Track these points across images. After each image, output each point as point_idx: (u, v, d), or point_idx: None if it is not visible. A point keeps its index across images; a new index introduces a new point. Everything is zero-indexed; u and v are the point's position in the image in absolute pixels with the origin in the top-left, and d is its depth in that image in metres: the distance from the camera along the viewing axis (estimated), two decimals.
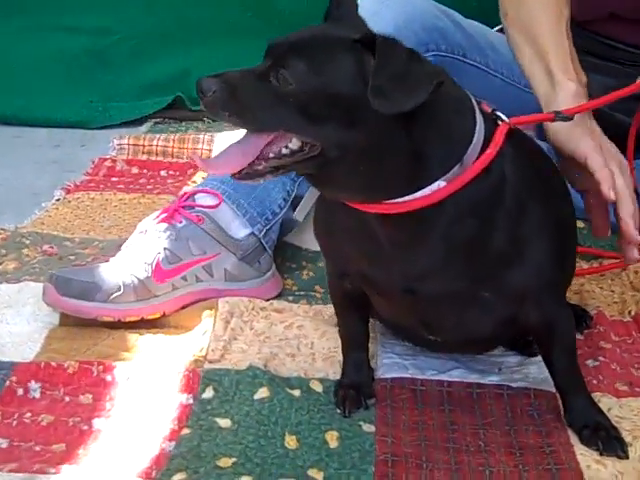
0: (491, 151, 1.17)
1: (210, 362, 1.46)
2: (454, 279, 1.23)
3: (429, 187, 1.14)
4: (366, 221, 1.19)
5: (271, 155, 1.10)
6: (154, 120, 2.86)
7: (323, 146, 1.08)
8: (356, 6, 1.22)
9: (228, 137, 2.46)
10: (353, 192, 1.17)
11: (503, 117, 1.24)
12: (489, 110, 1.23)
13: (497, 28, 2.13)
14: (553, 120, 1.42)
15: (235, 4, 2.71)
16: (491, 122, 1.21)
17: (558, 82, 1.51)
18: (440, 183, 1.14)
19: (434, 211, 1.16)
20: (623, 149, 1.81)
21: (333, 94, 1.07)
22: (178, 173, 2.40)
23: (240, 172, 1.10)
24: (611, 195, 1.41)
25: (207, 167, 1.19)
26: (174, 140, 2.53)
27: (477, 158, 1.16)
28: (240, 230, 1.68)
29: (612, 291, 1.78)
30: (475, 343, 1.46)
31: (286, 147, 1.09)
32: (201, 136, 2.54)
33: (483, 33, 2.08)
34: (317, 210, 1.35)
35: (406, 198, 1.14)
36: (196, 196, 1.68)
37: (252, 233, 1.69)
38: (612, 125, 1.91)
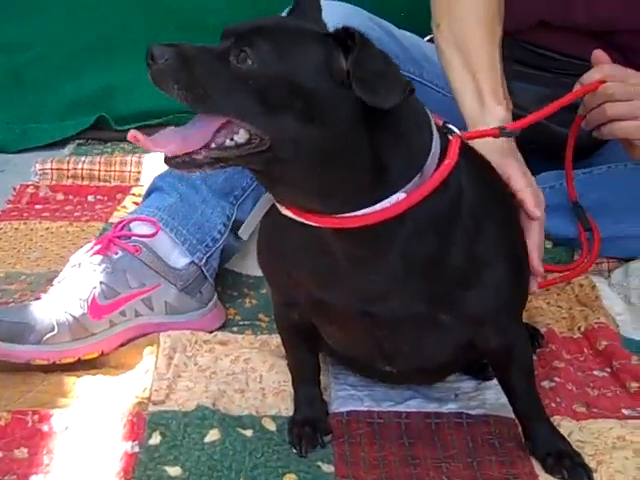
0: (449, 161, 1.13)
1: (155, 404, 1.38)
2: (413, 300, 1.18)
3: (388, 199, 1.08)
4: (321, 238, 1.13)
5: (213, 145, 1.02)
6: (77, 141, 2.74)
7: (273, 141, 1.01)
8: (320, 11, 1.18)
9: (157, 159, 2.39)
10: (305, 197, 1.09)
11: (455, 130, 1.21)
12: (440, 123, 1.20)
13: (427, 38, 2.11)
14: (498, 136, 1.40)
15: (159, 19, 2.62)
16: (443, 135, 1.17)
17: (487, 105, 1.50)
18: (400, 195, 1.08)
19: (393, 225, 1.10)
20: (559, 160, 1.82)
21: (296, 83, 1.01)
22: (106, 198, 2.30)
23: (176, 158, 1.02)
24: (536, 213, 1.40)
25: (145, 143, 1.04)
26: (100, 163, 2.42)
27: (435, 170, 1.11)
28: (180, 259, 1.60)
29: (559, 306, 1.77)
30: (432, 371, 1.42)
31: (231, 139, 1.02)
32: (128, 158, 2.44)
33: (416, 44, 2.05)
34: (261, 235, 1.27)
35: (365, 211, 1.08)
36: (131, 225, 1.60)
37: (192, 262, 1.61)
38: (548, 136, 1.91)
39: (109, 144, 2.72)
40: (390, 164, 1.08)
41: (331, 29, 1.72)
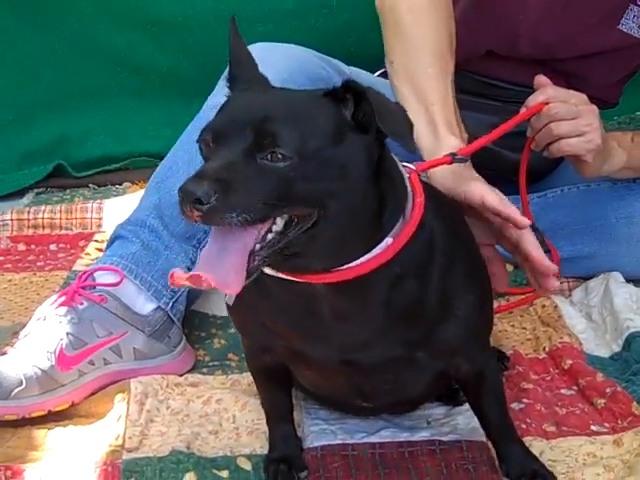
0: (420, 199, 1.13)
1: (128, 451, 1.38)
2: (392, 345, 1.19)
3: (379, 246, 1.08)
4: (306, 295, 1.11)
5: (258, 247, 0.99)
6: (36, 190, 2.72)
7: (320, 215, 1.00)
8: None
9: (117, 204, 2.40)
10: (323, 260, 1.07)
11: (408, 164, 1.22)
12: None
13: (378, 73, 2.15)
14: (451, 163, 1.44)
15: (110, 65, 2.63)
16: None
17: (441, 137, 1.52)
18: (388, 240, 1.09)
19: (380, 273, 1.09)
20: (514, 186, 1.86)
21: (329, 155, 1.01)
22: (69, 246, 2.28)
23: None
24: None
25: (222, 288, 0.99)
26: (61, 211, 2.41)
27: (412, 209, 1.12)
28: (146, 305, 1.60)
29: (524, 328, 1.80)
30: (407, 403, 1.44)
31: (270, 231, 1.00)
32: (89, 204, 2.43)
33: (367, 80, 2.09)
34: None
35: (359, 261, 1.08)
36: (95, 274, 1.60)
37: (159, 307, 1.61)
38: (499, 162, 1.96)
39: (68, 191, 2.70)
40: (385, 209, 1.09)
41: (283, 70, 1.79)
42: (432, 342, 1.21)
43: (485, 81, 2.05)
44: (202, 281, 0.98)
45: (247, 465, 1.35)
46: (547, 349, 1.69)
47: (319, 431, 1.42)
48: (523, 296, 1.89)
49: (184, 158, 1.75)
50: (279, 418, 1.37)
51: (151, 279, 1.61)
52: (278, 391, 1.36)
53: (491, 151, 2.02)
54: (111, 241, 1.71)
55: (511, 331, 1.78)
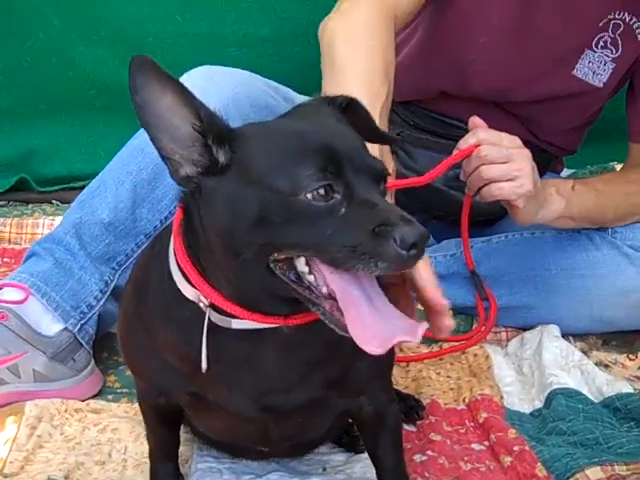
0: None
1: (5, 477, 1.33)
2: (314, 386, 1.15)
3: None
4: (258, 340, 1.07)
5: None
6: None
7: None
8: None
9: None
10: None
11: None
12: None
13: None
14: None
15: (78, 81, 2.60)
16: None
17: None
18: None
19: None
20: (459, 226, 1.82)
21: None
22: (13, 261, 2.25)
23: None
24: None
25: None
26: (11, 225, 2.39)
27: None
28: (52, 326, 1.56)
29: (449, 377, 1.74)
30: (303, 446, 1.39)
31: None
32: (41, 220, 2.41)
33: None
34: (131, 331, 1.19)
35: None
36: (1, 291, 1.56)
37: (65, 328, 1.57)
38: (449, 203, 1.92)
39: (30, 206, 2.68)
40: None
41: (226, 96, 1.76)
42: (346, 381, 1.17)
43: (441, 119, 2.02)
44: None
45: None
46: (467, 400, 1.63)
47: (206, 469, 1.37)
48: (456, 343, 1.84)
49: (114, 178, 1.72)
50: (163, 457, 1.33)
51: (59, 299, 1.57)
52: (166, 430, 1.31)
53: (440, 192, 1.98)
54: (26, 258, 1.67)
55: (435, 379, 1.72)
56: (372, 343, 0.94)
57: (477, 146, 1.55)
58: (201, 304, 1.05)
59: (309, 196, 0.94)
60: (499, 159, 1.55)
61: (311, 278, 0.97)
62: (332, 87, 1.58)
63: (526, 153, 1.57)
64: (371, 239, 0.92)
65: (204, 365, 1.08)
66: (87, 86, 2.64)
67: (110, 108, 2.66)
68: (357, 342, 0.94)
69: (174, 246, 1.08)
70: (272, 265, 0.97)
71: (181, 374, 1.14)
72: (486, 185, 1.58)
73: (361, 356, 1.12)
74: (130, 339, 1.21)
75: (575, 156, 2.22)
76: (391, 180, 1.49)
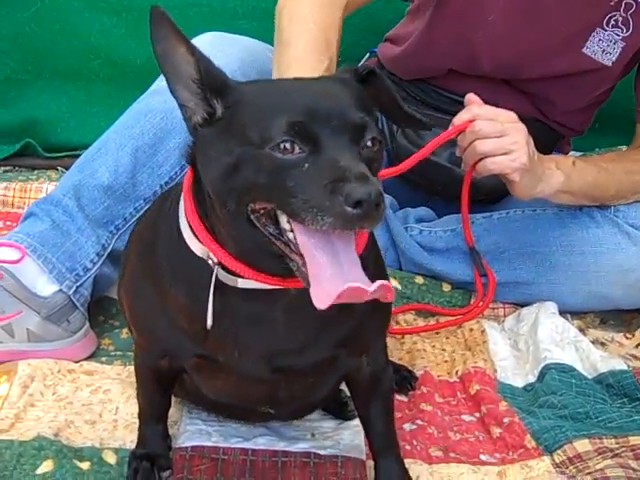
0: None
1: None
2: (326, 346, 1.16)
3: None
4: (268, 301, 1.09)
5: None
6: (3, 168, 2.70)
7: None
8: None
9: None
10: None
11: None
12: None
13: None
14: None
15: (82, 50, 2.58)
16: None
17: None
18: None
19: None
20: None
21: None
22: (15, 224, 2.25)
23: None
24: None
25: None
26: (15, 189, 2.39)
27: None
28: (46, 287, 1.56)
29: (443, 350, 1.74)
30: (305, 409, 1.39)
31: None
32: (44, 185, 2.41)
33: None
34: (141, 288, 1.19)
35: None
36: None
37: (60, 290, 1.57)
38: (451, 178, 1.90)
39: (36, 172, 2.68)
40: None
41: (234, 61, 1.76)
42: (355, 339, 1.18)
43: (450, 97, 2.00)
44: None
45: (112, 459, 1.31)
46: (459, 373, 1.63)
47: (195, 431, 1.37)
48: (453, 318, 1.84)
49: (115, 141, 1.72)
50: (154, 418, 1.33)
51: (55, 260, 1.57)
52: (160, 392, 1.31)
53: (443, 168, 1.97)
54: (24, 218, 1.68)
55: (430, 351, 1.72)
56: (322, 299, 0.94)
57: (472, 121, 1.55)
58: (210, 261, 1.07)
59: (275, 149, 0.96)
60: (493, 133, 1.54)
61: (291, 235, 0.98)
62: (276, 62, 1.65)
63: (521, 127, 1.56)
64: (322, 193, 0.93)
65: (209, 322, 1.09)
66: (91, 56, 2.61)
67: (114, 80, 2.64)
68: (312, 299, 0.95)
69: (184, 204, 1.10)
70: (252, 217, 1.00)
71: (190, 336, 1.15)
72: (481, 160, 1.58)
73: (368, 314, 1.15)
74: (138, 299, 1.22)
75: (584, 139, 2.20)
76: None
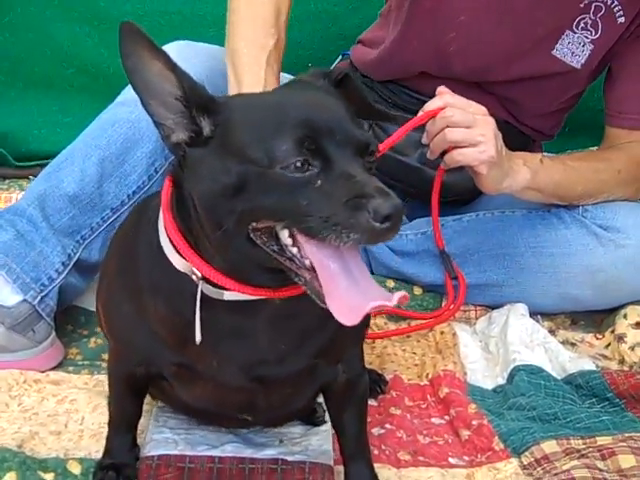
0: None
1: None
2: (305, 356, 1.16)
3: None
4: (251, 311, 1.08)
5: None
6: None
7: None
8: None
9: None
10: None
11: None
12: None
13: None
14: None
15: (55, 59, 2.57)
16: None
17: None
18: None
19: None
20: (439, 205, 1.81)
21: None
22: None
23: None
24: None
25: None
26: None
27: None
28: (10, 297, 1.54)
29: (414, 353, 1.74)
30: (284, 417, 1.39)
31: None
32: (14, 195, 2.40)
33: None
34: (119, 302, 1.18)
35: None
36: None
37: (25, 300, 1.55)
38: (421, 179, 1.91)
39: (7, 181, 2.66)
40: None
41: (202, 71, 1.74)
42: (333, 348, 1.18)
43: (420, 98, 1.99)
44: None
45: (76, 469, 1.30)
46: (430, 376, 1.63)
47: (161, 439, 1.36)
48: (424, 321, 1.83)
49: (82, 151, 1.71)
50: (123, 425, 1.32)
51: (20, 270, 1.55)
52: (133, 401, 1.30)
53: (415, 169, 1.97)
54: None
55: (400, 355, 1.71)
56: (347, 316, 0.94)
57: (443, 109, 1.56)
58: (193, 277, 1.06)
59: (286, 169, 0.95)
60: (463, 122, 1.55)
61: (294, 250, 0.97)
62: (227, 41, 1.65)
63: (490, 120, 1.58)
64: (344, 210, 0.92)
65: (198, 337, 1.08)
66: (64, 64, 2.60)
67: (87, 89, 2.63)
68: (334, 314, 0.94)
69: (164, 219, 1.08)
70: (252, 235, 0.99)
71: (169, 345, 1.14)
72: (449, 151, 1.58)
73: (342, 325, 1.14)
74: (116, 311, 1.21)
75: (555, 142, 2.21)
76: None
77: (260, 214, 0.97)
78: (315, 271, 0.96)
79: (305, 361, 1.16)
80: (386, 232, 0.92)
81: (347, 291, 0.95)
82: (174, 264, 1.07)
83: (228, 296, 1.06)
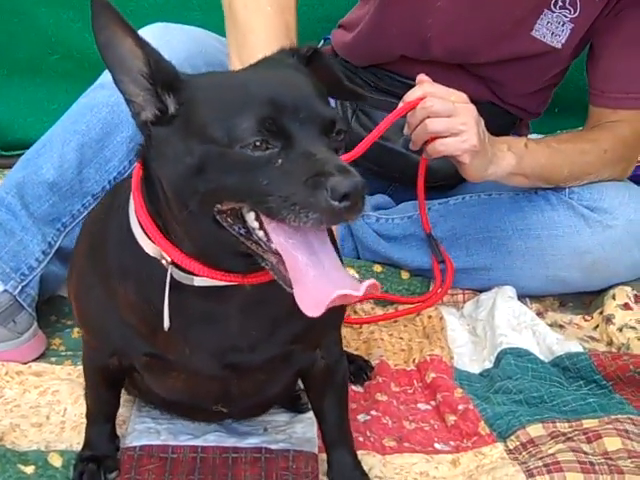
0: None
1: None
2: (278, 343, 1.14)
3: None
4: (223, 298, 1.06)
5: None
6: None
7: None
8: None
9: None
10: None
11: None
12: None
13: None
14: None
15: (40, 45, 2.54)
16: None
17: None
18: None
19: None
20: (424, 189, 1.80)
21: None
22: None
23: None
24: None
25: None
26: None
27: None
28: None
29: (401, 338, 1.72)
30: (262, 405, 1.37)
31: None
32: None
33: None
34: (90, 287, 1.16)
35: None
36: None
37: (5, 290, 1.53)
38: (406, 165, 1.89)
39: None
40: None
41: (181, 52, 1.72)
42: (309, 334, 1.16)
43: (403, 81, 1.97)
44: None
45: (57, 462, 1.28)
46: (416, 361, 1.61)
47: (143, 429, 1.35)
48: (412, 305, 1.82)
49: (60, 137, 1.68)
50: (101, 417, 1.30)
51: None
52: (109, 392, 1.28)
53: (400, 155, 1.95)
54: None
55: (387, 340, 1.70)
56: (311, 307, 0.92)
57: (422, 99, 1.54)
58: (163, 261, 1.03)
59: (245, 148, 0.93)
60: (444, 112, 1.53)
61: (261, 234, 0.95)
62: (236, 52, 1.61)
63: (471, 107, 1.55)
64: (304, 189, 0.90)
65: (166, 323, 1.06)
66: (49, 51, 2.57)
67: (72, 75, 2.58)
68: (298, 304, 0.92)
69: (134, 202, 1.06)
70: (218, 217, 0.97)
71: (140, 334, 1.12)
72: (430, 141, 1.56)
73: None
74: (86, 297, 1.18)
75: (544, 123, 2.19)
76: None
77: (222, 195, 0.95)
78: (281, 255, 0.94)
79: (279, 348, 1.15)
80: (346, 211, 0.89)
81: (313, 279, 0.92)
82: (144, 248, 1.05)
83: (198, 282, 1.04)
